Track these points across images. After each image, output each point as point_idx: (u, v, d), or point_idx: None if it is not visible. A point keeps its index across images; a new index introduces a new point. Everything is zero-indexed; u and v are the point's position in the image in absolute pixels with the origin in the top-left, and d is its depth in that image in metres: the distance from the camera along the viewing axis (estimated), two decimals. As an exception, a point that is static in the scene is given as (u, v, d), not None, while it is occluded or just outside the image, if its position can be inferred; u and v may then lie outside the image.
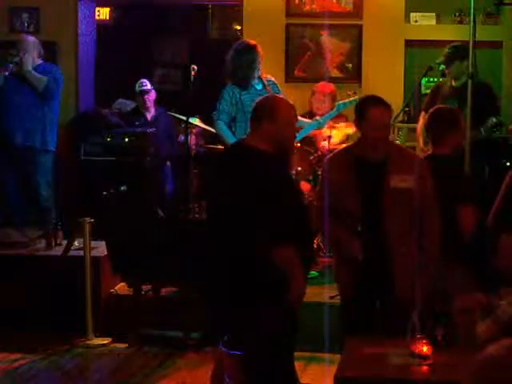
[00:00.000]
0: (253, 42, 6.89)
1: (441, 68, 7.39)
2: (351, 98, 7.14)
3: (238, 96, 6.70)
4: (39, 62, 7.73)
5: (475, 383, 2.27)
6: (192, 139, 8.16)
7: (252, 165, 4.09)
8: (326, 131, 7.33)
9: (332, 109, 7.35)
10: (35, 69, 7.63)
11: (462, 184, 4.96)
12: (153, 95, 8.81)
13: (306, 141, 7.30)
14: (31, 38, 7.80)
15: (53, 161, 7.83)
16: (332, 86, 7.78)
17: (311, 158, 7.26)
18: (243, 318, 4.03)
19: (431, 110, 5.22)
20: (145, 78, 8.91)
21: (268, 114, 4.19)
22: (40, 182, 7.75)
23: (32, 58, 7.66)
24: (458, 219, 4.84)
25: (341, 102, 7.21)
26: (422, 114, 7.13)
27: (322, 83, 7.84)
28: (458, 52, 6.86)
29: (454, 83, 6.95)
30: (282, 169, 4.21)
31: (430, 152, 5.11)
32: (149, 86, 8.80)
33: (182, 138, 8.36)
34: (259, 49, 6.79)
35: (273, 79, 6.95)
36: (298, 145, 7.06)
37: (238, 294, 4.05)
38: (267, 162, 4.09)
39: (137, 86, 8.80)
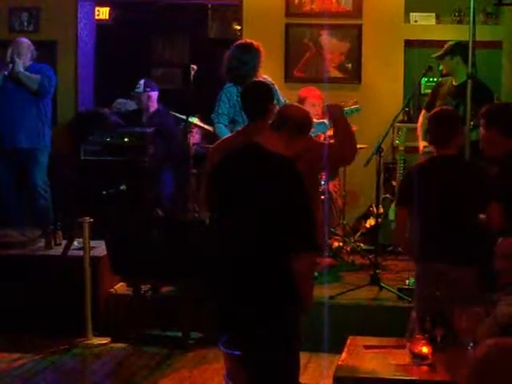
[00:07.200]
0: (254, 41, 6.89)
1: (440, 68, 7.40)
2: (353, 107, 7.19)
3: (235, 97, 6.68)
4: (30, 63, 7.77)
5: None
6: (193, 139, 8.16)
7: (280, 169, 4.04)
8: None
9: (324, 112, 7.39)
10: (27, 69, 7.69)
11: (487, 182, 4.86)
12: (146, 97, 8.77)
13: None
14: (25, 41, 7.83)
15: (48, 159, 7.88)
16: (318, 91, 7.75)
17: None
18: (250, 317, 4.02)
19: (433, 112, 5.16)
20: (143, 79, 8.86)
21: (308, 129, 4.21)
22: (38, 181, 7.78)
23: (23, 60, 7.70)
24: (481, 219, 4.80)
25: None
26: (423, 112, 7.16)
27: (306, 89, 7.76)
28: (453, 48, 6.90)
29: (454, 82, 6.96)
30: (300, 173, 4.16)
31: (435, 153, 5.04)
32: (140, 89, 8.77)
33: (197, 138, 8.37)
34: (260, 49, 6.79)
35: (270, 79, 6.92)
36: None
37: (248, 295, 4.03)
38: (293, 167, 4.06)
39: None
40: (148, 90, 8.77)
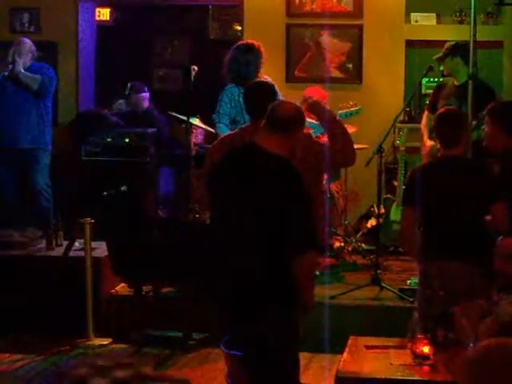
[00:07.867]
0: (255, 42, 6.90)
1: (441, 68, 7.39)
2: (352, 109, 7.17)
3: (236, 97, 6.68)
4: (30, 63, 7.77)
5: None
6: (195, 139, 8.15)
7: (278, 170, 4.04)
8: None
9: None
10: (27, 69, 7.69)
11: (493, 182, 4.88)
12: (135, 99, 8.78)
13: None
14: (27, 42, 7.83)
15: (50, 160, 7.88)
16: (323, 91, 7.69)
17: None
18: (251, 317, 4.02)
19: (439, 112, 5.15)
20: (130, 82, 8.88)
21: (300, 124, 4.19)
22: (40, 182, 7.78)
23: (24, 60, 7.69)
24: (487, 220, 4.78)
25: (343, 111, 7.16)
26: (426, 113, 7.15)
27: (311, 89, 7.70)
28: (452, 49, 6.90)
29: (456, 82, 6.96)
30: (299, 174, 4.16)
31: (440, 153, 5.03)
32: (129, 92, 8.81)
33: (200, 139, 8.37)
34: (261, 49, 6.79)
35: (270, 80, 6.91)
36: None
37: (248, 295, 4.03)
38: (291, 167, 4.05)
39: None
40: (136, 92, 8.79)
